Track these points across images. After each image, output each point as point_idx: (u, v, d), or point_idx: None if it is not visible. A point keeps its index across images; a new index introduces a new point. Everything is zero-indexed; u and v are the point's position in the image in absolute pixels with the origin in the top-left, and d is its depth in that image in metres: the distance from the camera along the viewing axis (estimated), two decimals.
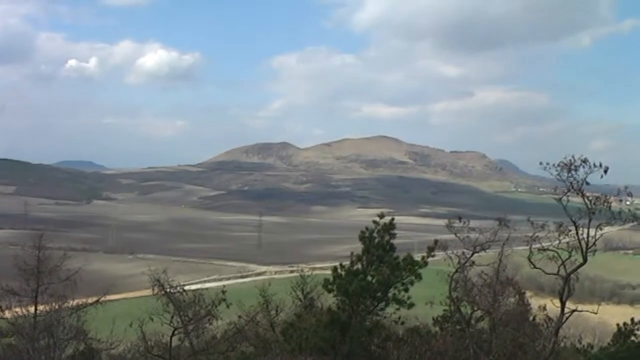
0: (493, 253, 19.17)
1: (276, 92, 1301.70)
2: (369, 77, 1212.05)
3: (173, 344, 19.73)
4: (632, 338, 23.58)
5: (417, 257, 23.55)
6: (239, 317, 24.55)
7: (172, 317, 19.71)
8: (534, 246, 17.54)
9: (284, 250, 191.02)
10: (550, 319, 18.92)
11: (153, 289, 20.08)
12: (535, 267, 17.71)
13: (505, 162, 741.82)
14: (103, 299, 19.92)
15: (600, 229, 16.85)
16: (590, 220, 16.58)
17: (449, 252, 18.90)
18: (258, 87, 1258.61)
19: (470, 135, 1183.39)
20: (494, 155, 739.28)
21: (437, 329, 23.06)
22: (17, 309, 18.30)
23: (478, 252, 18.65)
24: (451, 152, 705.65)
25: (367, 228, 23.19)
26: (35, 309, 18.23)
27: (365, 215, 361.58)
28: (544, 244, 17.44)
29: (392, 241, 23.37)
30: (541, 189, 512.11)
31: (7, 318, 18.19)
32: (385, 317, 22.70)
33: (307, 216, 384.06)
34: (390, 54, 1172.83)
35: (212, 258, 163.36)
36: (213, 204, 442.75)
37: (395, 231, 23.39)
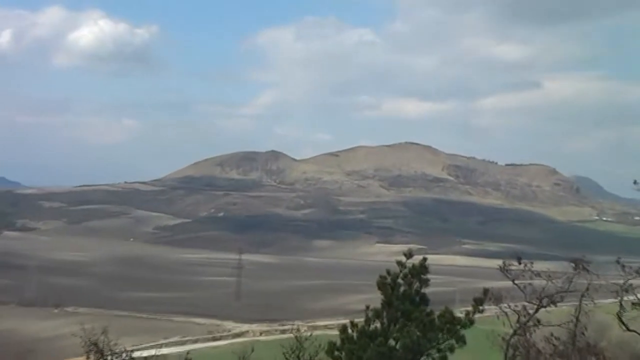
0: (568, 308, 19.19)
1: (264, 82, 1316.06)
2: (394, 60, 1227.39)
3: None
4: None
5: (460, 312, 23.43)
6: None
7: None
8: (626, 299, 17.53)
9: (272, 301, 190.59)
10: None
11: (88, 356, 19.80)
12: (628, 329, 17.86)
13: (585, 180, 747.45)
14: None
15: None
16: None
17: (505, 306, 19.01)
18: (239, 74, 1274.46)
19: (535, 141, 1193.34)
20: (569, 169, 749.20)
21: None
22: None
23: (546, 306, 18.61)
24: (507, 165, 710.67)
25: (388, 271, 23.09)
26: None
27: (386, 253, 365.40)
28: None
29: (424, 290, 23.27)
30: (637, 218, 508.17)
31: None
32: None
33: (305, 254, 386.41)
34: (423, 28, 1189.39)
35: (173, 313, 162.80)
36: (174, 236, 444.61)
37: (429, 276, 23.27)
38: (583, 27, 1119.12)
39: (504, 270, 19.29)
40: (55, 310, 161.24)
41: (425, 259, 23.48)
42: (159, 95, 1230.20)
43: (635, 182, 16.84)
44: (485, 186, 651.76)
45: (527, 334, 19.27)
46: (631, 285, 17.65)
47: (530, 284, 19.24)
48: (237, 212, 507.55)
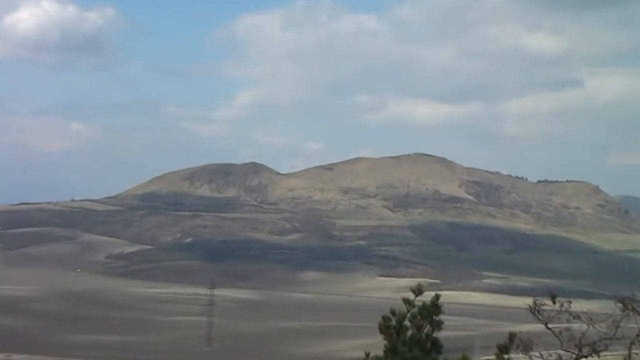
0: (614, 358, 19.26)
1: (243, 79, 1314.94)
2: (400, 53, 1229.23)
3: None
4: None
5: None
6: None
7: None
8: None
9: (250, 346, 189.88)
10: None
11: None
12: None
13: (635, 201, 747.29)
14: None
15: None
16: None
17: (536, 355, 18.95)
18: (213, 69, 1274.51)
19: (573, 153, 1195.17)
20: (615, 188, 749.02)
21: None
22: None
23: (587, 356, 18.62)
24: (540, 182, 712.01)
25: (393, 311, 22.94)
26: None
27: (390, 289, 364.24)
28: None
29: (436, 335, 23.13)
30: None
31: None
32: None
33: (291, 289, 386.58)
34: (436, 15, 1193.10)
35: None
36: (132, 266, 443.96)
37: (443, 317, 23.13)
38: (632, 11, 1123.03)
39: (535, 311, 19.14)
40: None
41: (438, 296, 23.30)
42: (116, 93, 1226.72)
43: None
44: (513, 207, 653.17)
45: None
46: None
47: (567, 328, 19.09)
48: (209, 237, 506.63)
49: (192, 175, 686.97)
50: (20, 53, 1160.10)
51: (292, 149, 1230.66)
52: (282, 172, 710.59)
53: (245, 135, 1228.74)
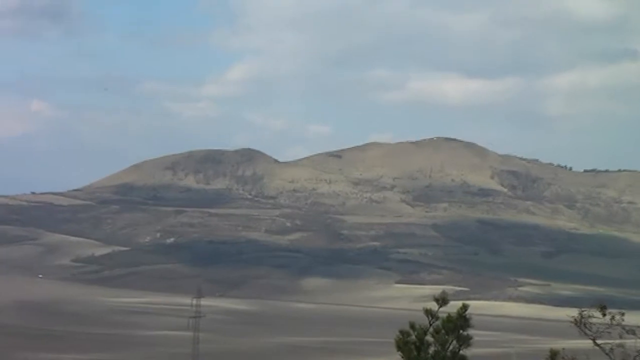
0: None
1: (236, 50, 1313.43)
2: (424, 19, 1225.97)
3: None
4: None
5: None
6: None
7: None
8: None
9: None
10: None
11: None
12: None
13: None
14: None
15: None
16: None
17: None
18: (200, 38, 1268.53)
19: (628, 139, 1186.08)
20: None
21: None
22: None
23: None
24: (587, 172, 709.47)
25: (413, 325, 22.84)
26: None
27: (409, 298, 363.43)
28: None
29: (463, 352, 23.15)
30: None
31: None
32: None
33: (292, 298, 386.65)
34: None
35: None
36: (104, 272, 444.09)
37: (472, 331, 23.08)
38: None
39: (581, 325, 19.12)
40: None
41: (465, 307, 23.15)
42: (84, 67, 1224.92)
43: None
44: (554, 202, 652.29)
45: None
46: None
47: (620, 345, 19.10)
48: (195, 237, 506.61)
49: (175, 163, 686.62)
50: None
51: (293, 133, 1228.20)
52: (282, 160, 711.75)
53: (238, 117, 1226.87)
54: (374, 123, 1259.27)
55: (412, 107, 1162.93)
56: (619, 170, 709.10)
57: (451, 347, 23.78)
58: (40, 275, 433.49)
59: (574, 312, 19.87)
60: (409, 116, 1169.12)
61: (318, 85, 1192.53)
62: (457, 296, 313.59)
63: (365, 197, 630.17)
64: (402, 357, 23.92)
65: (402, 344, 23.94)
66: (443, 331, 23.79)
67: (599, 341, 19.15)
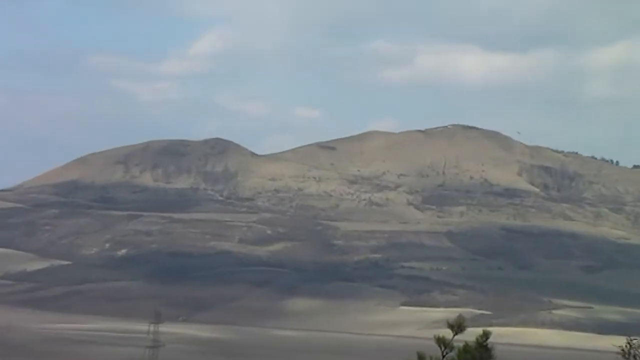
0: None
1: (205, 17, 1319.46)
2: None
3: None
4: None
5: None
6: None
7: None
8: None
9: None
10: None
11: None
12: None
13: None
14: None
15: None
16: None
17: None
18: (159, 3, 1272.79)
19: None
20: None
21: None
22: None
23: None
24: (636, 167, 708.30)
25: (422, 356, 22.76)
26: None
27: (418, 323, 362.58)
28: None
29: None
30: None
31: None
32: None
33: (274, 323, 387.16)
34: None
35: None
36: (39, 292, 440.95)
37: None
38: None
39: (631, 357, 19.04)
40: None
41: (487, 335, 23.03)
42: (16, 38, 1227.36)
43: None
44: (597, 204, 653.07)
45: None
46: None
47: None
48: (154, 249, 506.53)
49: (128, 157, 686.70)
50: None
51: (275, 120, 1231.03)
52: (260, 152, 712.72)
53: (206, 100, 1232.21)
54: (375, 107, 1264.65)
55: (420, 88, 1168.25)
56: None
57: None
58: None
59: (621, 341, 19.74)
60: (417, 99, 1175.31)
61: (305, 60, 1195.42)
62: (476, 321, 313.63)
63: (364, 199, 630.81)
64: None
65: None
66: None
67: None
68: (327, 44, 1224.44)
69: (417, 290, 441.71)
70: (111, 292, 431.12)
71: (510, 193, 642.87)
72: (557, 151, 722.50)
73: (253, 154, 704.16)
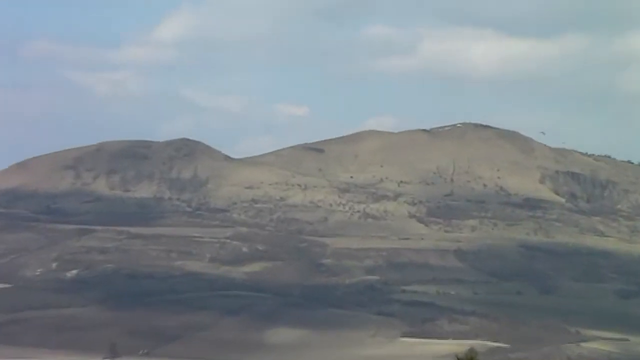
0: None
1: None
2: None
3: None
4: None
5: None
6: None
7: None
8: None
9: None
10: None
11: None
12: None
13: None
14: None
15: None
16: None
17: None
18: None
19: None
20: None
21: None
22: None
23: None
24: None
25: None
26: None
27: (421, 357, 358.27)
28: None
29: None
30: None
31: None
32: None
33: (251, 357, 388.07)
34: None
35: None
36: None
37: None
38: None
39: None
40: None
41: None
42: None
43: None
44: (634, 217, 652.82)
45: None
46: None
47: None
48: (109, 269, 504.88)
49: (78, 160, 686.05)
50: None
51: (253, 117, 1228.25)
52: (236, 156, 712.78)
53: (172, 93, 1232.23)
54: (371, 103, 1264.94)
55: (425, 80, 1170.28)
56: None
57: None
58: None
59: None
60: (421, 93, 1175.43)
61: (290, 48, 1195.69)
62: (491, 355, 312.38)
63: (358, 211, 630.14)
64: None
65: None
66: None
67: None
68: (316, 29, 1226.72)
69: (421, 318, 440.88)
70: (59, 321, 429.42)
71: (530, 204, 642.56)
72: (586, 154, 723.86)
73: (227, 158, 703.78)
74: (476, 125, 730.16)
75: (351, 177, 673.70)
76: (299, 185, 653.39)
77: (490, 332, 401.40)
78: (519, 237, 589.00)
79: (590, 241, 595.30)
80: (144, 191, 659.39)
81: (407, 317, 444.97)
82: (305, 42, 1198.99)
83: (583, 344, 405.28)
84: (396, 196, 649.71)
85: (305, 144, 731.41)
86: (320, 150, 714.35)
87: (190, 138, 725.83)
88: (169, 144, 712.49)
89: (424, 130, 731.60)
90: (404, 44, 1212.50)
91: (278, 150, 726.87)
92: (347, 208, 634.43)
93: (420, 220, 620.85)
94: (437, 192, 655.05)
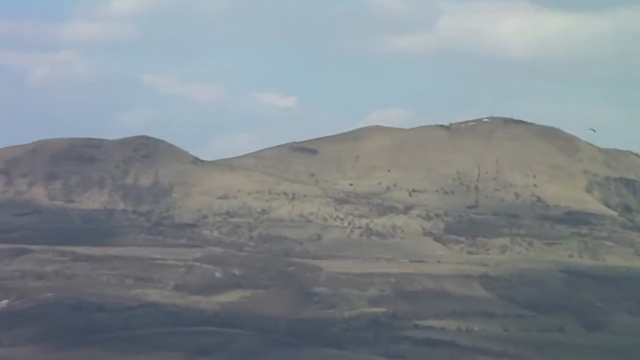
0: None
1: None
2: None
3: None
4: None
5: None
6: None
7: None
8: None
9: None
10: None
11: None
12: None
13: None
14: None
15: None
16: None
17: None
18: None
19: None
20: None
21: None
22: None
23: None
24: None
25: None
26: None
27: None
28: None
29: None
30: None
31: None
32: None
33: None
34: None
35: None
36: None
37: None
38: None
39: None
40: None
41: None
42: None
43: None
44: None
45: None
46: None
47: None
48: (49, 299, 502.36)
49: (10, 164, 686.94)
50: None
51: (229, 110, 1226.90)
52: (207, 157, 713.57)
53: (128, 80, 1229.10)
54: (377, 92, 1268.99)
55: (444, 64, 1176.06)
56: None
57: None
58: None
59: None
60: (439, 79, 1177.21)
61: (276, 25, 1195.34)
62: None
63: (359, 226, 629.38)
64: None
65: None
66: None
67: None
68: (310, 0, 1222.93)
69: None
70: None
71: (575, 218, 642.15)
72: None
73: (196, 160, 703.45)
74: (506, 120, 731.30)
75: (351, 184, 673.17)
76: (285, 194, 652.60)
77: None
78: (560, 260, 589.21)
79: None
80: (92, 202, 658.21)
81: (421, 359, 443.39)
82: (295, 15, 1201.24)
83: None
84: (407, 208, 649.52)
85: (294, 142, 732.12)
86: (313, 151, 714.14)
87: (151, 135, 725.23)
88: (124, 142, 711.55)
89: (442, 126, 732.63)
90: (418, 19, 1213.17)
91: (260, 151, 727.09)
92: (345, 223, 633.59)
93: (437, 239, 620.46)
94: (458, 204, 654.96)
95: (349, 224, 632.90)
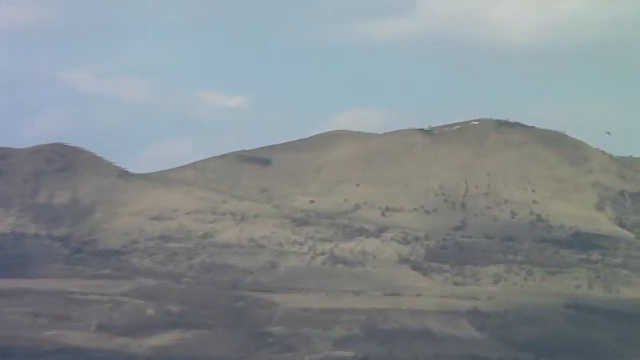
0: None
1: None
2: None
3: None
4: None
5: None
6: None
7: None
8: None
9: None
10: None
11: None
12: None
13: None
14: None
15: None
16: None
17: None
18: None
19: None
20: None
21: None
22: None
23: None
24: None
25: None
26: None
27: None
28: None
29: None
30: None
31: None
32: None
33: None
34: None
35: None
36: None
37: None
38: None
39: None
40: None
41: None
42: None
43: None
44: None
45: None
46: None
47: None
48: None
49: None
50: None
51: (163, 111, 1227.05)
52: (137, 169, 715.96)
53: (40, 75, 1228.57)
54: (345, 89, 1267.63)
55: (427, 54, 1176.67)
56: None
57: None
58: None
59: None
60: (421, 73, 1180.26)
61: (218, 7, 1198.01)
62: None
63: (322, 253, 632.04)
64: None
65: None
66: None
67: None
68: None
69: None
70: None
71: (583, 241, 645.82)
72: None
73: (124, 173, 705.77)
74: (500, 123, 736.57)
75: (312, 201, 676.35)
76: (232, 214, 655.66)
77: None
78: (565, 292, 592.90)
79: None
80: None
81: None
82: None
83: None
84: (380, 231, 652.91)
85: (243, 151, 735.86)
86: (266, 162, 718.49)
87: (68, 144, 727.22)
88: (36, 152, 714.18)
89: (423, 131, 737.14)
90: (396, 1, 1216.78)
91: (201, 162, 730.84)
92: (305, 249, 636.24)
93: (416, 267, 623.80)
94: (441, 225, 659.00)
95: (310, 249, 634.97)
